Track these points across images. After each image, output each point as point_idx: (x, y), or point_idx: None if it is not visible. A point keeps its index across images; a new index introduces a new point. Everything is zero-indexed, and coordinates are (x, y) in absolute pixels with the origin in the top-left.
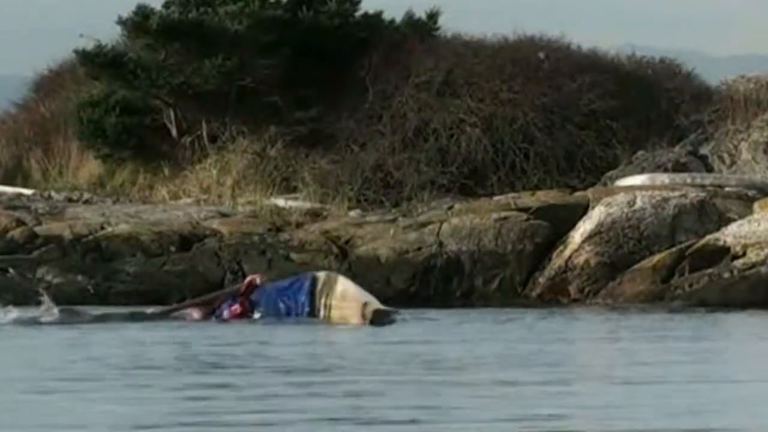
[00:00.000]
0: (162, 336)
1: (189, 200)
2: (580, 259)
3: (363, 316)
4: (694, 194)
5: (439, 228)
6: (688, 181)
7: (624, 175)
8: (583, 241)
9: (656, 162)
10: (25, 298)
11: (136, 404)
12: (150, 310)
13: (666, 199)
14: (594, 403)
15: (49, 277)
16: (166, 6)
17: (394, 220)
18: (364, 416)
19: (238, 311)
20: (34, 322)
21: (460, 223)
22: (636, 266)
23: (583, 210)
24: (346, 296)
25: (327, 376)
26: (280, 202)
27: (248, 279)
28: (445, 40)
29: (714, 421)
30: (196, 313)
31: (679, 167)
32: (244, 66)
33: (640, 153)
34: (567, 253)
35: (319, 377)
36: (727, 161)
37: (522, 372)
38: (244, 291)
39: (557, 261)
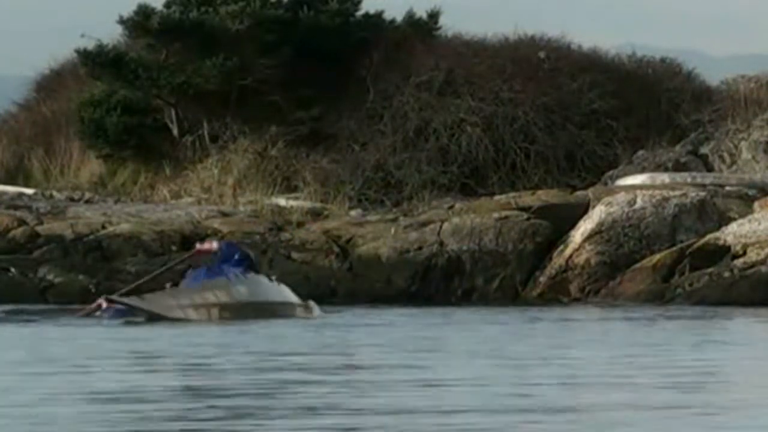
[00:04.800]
0: None
1: (190, 200)
2: (581, 259)
3: None
4: (694, 194)
5: (440, 227)
6: (689, 180)
7: (624, 175)
8: (584, 241)
9: (656, 161)
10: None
11: None
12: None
13: (666, 199)
14: None
15: (50, 277)
16: (167, 6)
17: (395, 220)
18: None
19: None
20: None
21: (461, 223)
22: (636, 265)
23: (583, 209)
24: None
25: None
26: (281, 201)
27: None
28: (446, 39)
29: None
30: None
31: (679, 167)
32: (245, 66)
33: (640, 152)
34: (568, 252)
35: None
36: (728, 161)
37: None
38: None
39: (558, 260)
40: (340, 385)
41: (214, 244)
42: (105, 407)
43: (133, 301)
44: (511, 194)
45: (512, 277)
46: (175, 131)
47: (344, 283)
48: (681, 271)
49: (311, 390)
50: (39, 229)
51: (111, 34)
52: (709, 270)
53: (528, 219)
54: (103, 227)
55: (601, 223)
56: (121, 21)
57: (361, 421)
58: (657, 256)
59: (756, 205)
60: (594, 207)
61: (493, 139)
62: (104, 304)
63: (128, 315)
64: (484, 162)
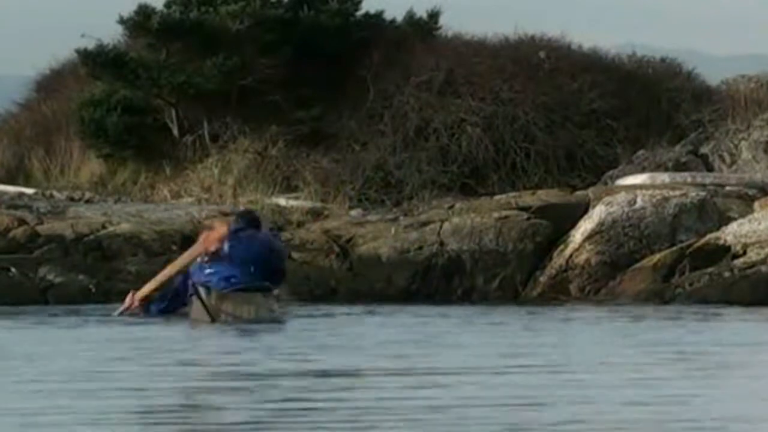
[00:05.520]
0: None
1: (190, 199)
2: (581, 258)
3: None
4: (694, 193)
5: (440, 227)
6: (689, 180)
7: (624, 175)
8: (584, 240)
9: (657, 161)
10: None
11: None
12: None
13: (666, 198)
14: None
15: (50, 277)
16: (167, 6)
17: (395, 219)
18: None
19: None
20: None
21: (461, 222)
22: (637, 265)
23: (583, 209)
24: None
25: None
26: (282, 201)
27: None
28: (446, 39)
29: None
30: None
31: (679, 166)
32: (245, 65)
33: (640, 152)
34: (568, 252)
35: None
36: (728, 160)
37: None
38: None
39: (558, 260)
40: None
41: (225, 247)
42: None
43: (206, 298)
44: (512, 194)
45: (512, 277)
46: (176, 131)
47: (344, 282)
48: (681, 270)
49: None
50: (39, 228)
51: (111, 34)
52: (710, 270)
53: (528, 219)
54: (104, 227)
55: (601, 223)
56: (122, 21)
57: None
58: (657, 256)
59: (756, 204)
60: (594, 207)
61: (494, 139)
62: (136, 302)
63: (171, 312)
64: (484, 162)
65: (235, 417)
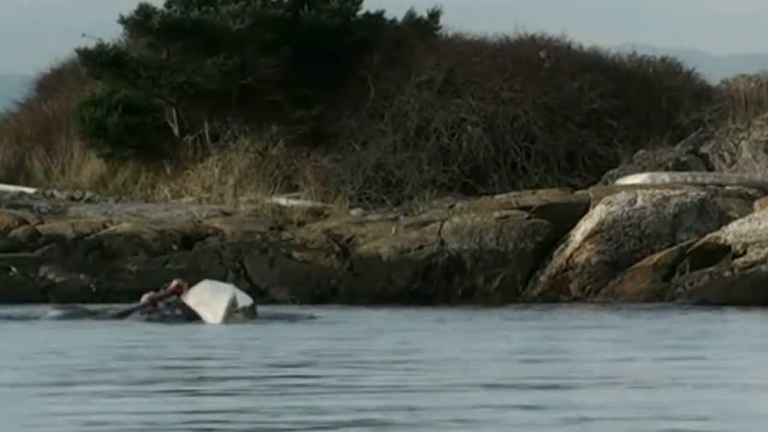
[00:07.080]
0: None
1: (191, 199)
2: (581, 258)
3: None
4: (694, 193)
5: (441, 227)
6: (689, 179)
7: (625, 174)
8: (584, 240)
9: (657, 161)
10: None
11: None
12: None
13: (667, 198)
14: None
15: (51, 276)
16: (167, 5)
17: (395, 219)
18: None
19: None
20: None
21: (462, 222)
22: (637, 265)
23: (584, 209)
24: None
25: None
26: (282, 200)
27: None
28: (447, 39)
29: None
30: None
31: (679, 166)
32: (245, 65)
33: (640, 152)
34: (568, 251)
35: None
36: (728, 160)
37: None
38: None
39: (558, 259)
40: None
41: None
42: None
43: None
44: (512, 193)
45: (513, 277)
46: (176, 131)
47: (345, 282)
48: (681, 270)
49: None
50: (40, 228)
51: (112, 33)
52: (710, 269)
53: (528, 218)
54: (104, 226)
55: (601, 223)
56: (122, 20)
57: None
58: (657, 256)
59: (756, 204)
60: (594, 206)
61: (494, 138)
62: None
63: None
64: (484, 161)
65: None
